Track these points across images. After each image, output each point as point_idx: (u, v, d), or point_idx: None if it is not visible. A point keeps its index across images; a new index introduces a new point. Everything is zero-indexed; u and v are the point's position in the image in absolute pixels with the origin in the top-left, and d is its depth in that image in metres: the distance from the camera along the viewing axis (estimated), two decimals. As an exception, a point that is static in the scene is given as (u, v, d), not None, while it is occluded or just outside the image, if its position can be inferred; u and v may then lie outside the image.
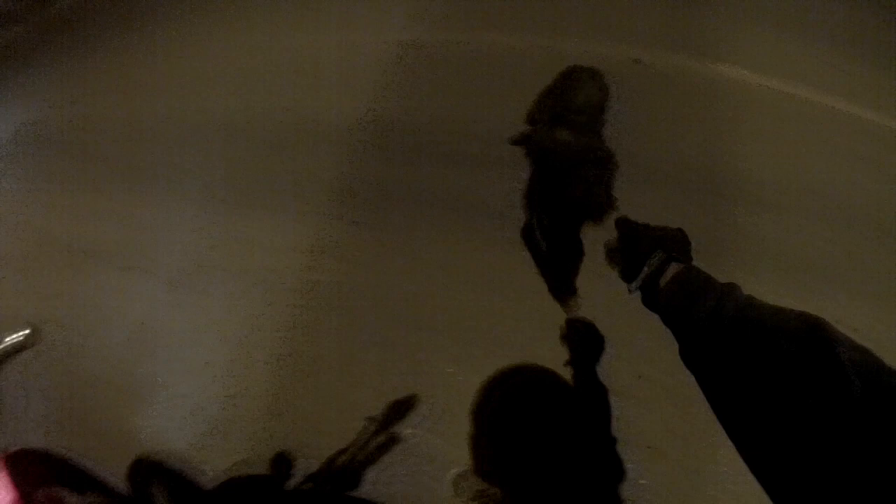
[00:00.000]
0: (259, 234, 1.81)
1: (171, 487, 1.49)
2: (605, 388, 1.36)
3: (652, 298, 0.79)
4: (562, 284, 1.52)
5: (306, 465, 1.44)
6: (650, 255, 0.81)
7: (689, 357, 0.68)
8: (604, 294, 1.49)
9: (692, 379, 1.13)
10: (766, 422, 0.56)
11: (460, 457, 1.33)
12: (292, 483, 1.41)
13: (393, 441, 1.37)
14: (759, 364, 0.58)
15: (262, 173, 1.92)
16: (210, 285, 1.77)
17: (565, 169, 1.63)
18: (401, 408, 1.40)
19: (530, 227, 1.60)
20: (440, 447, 1.34)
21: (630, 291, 0.82)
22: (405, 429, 1.38)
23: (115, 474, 1.54)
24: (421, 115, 1.91)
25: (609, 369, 1.42)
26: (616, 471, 1.34)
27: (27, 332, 1.79)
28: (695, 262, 0.81)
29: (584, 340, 1.39)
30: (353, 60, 2.08)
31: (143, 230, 1.94)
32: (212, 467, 1.52)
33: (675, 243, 0.83)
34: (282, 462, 1.42)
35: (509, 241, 1.63)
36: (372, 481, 1.36)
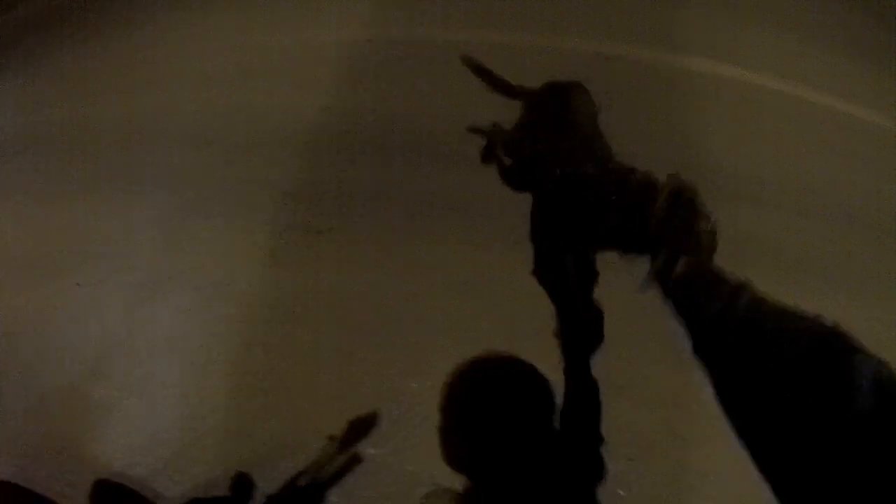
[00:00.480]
0: (217, 243, 1.73)
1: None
2: (597, 383, 1.30)
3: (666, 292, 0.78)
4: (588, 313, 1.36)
5: (267, 486, 1.38)
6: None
7: (702, 352, 0.67)
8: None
9: (669, 387, 1.08)
10: (774, 426, 0.56)
11: (426, 476, 1.27)
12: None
13: (356, 461, 1.31)
14: (769, 367, 0.57)
15: (222, 179, 1.84)
16: (167, 300, 1.70)
17: (593, 196, 1.25)
18: (362, 426, 1.33)
19: (551, 262, 1.37)
20: (405, 467, 1.28)
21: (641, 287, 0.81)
22: (368, 448, 1.31)
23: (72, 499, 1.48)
24: (386, 115, 1.84)
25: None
26: (598, 472, 1.27)
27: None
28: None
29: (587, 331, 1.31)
30: (316, 59, 2.00)
31: (101, 242, 1.86)
32: (172, 491, 1.46)
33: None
34: (242, 483, 1.35)
35: (482, 245, 1.57)
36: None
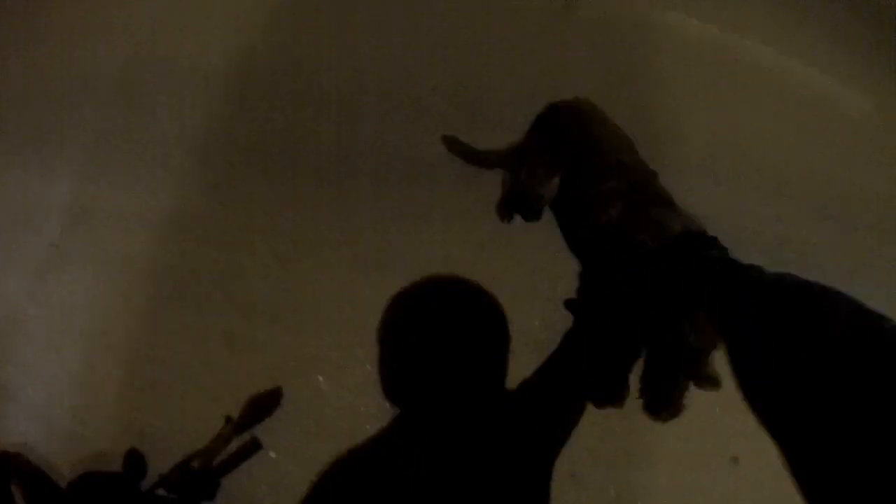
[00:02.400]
0: (115, 210, 1.54)
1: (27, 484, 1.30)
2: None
3: None
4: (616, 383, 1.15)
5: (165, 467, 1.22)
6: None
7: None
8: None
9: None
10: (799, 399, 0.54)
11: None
12: (146, 484, 1.20)
13: (254, 448, 1.14)
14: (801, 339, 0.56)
15: (122, 135, 1.64)
16: (67, 275, 1.53)
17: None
18: (264, 405, 1.16)
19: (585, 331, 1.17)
20: (299, 474, 1.11)
21: None
22: (269, 451, 1.15)
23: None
24: (310, 61, 1.63)
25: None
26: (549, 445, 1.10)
27: None
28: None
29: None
30: (239, 4, 1.78)
31: (3, 213, 1.68)
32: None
33: None
34: (134, 460, 1.21)
35: (411, 215, 1.37)
36: (229, 492, 1.14)
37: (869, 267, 1.83)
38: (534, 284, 1.32)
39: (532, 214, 1.29)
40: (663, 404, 1.11)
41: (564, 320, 1.24)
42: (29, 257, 1.57)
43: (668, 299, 0.94)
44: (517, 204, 1.31)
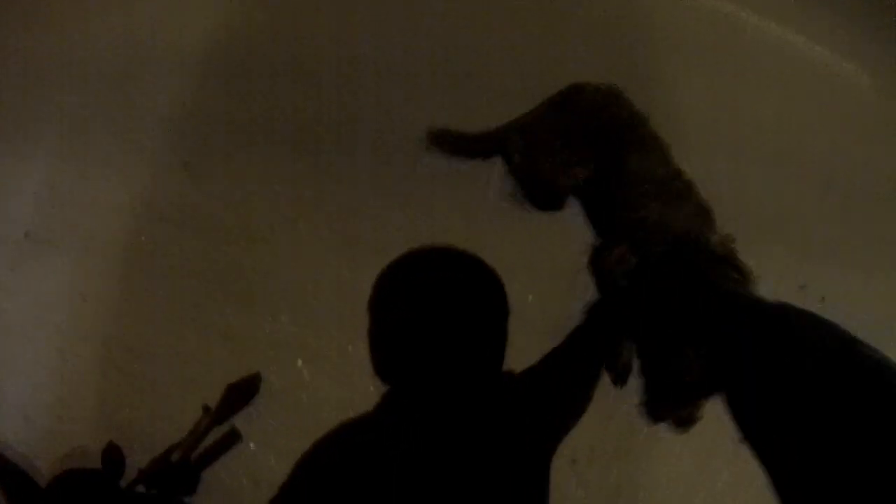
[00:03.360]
0: (90, 196, 1.47)
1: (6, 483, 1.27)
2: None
3: None
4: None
5: (143, 460, 1.17)
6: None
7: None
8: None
9: (611, 393, 1.11)
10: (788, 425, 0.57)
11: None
12: (125, 480, 1.17)
13: (233, 438, 1.09)
14: (789, 369, 0.59)
15: (97, 120, 1.56)
16: (41, 266, 1.46)
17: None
18: (242, 392, 1.11)
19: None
20: (280, 466, 1.06)
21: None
22: (249, 443, 1.09)
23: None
24: (292, 36, 1.55)
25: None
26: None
27: None
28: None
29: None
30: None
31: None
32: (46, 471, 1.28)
33: None
34: (112, 456, 1.18)
35: (397, 192, 1.30)
36: (209, 486, 1.08)
37: (870, 239, 1.78)
38: (531, 259, 1.26)
39: (555, 205, 1.21)
40: (665, 414, 1.11)
41: (561, 296, 1.18)
42: (2, 248, 1.52)
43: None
44: (537, 194, 1.22)
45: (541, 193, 1.19)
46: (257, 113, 1.42)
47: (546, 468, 1.08)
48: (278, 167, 1.39)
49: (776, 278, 1.30)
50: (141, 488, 1.15)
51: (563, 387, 1.11)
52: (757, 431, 0.62)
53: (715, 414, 1.38)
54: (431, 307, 1.13)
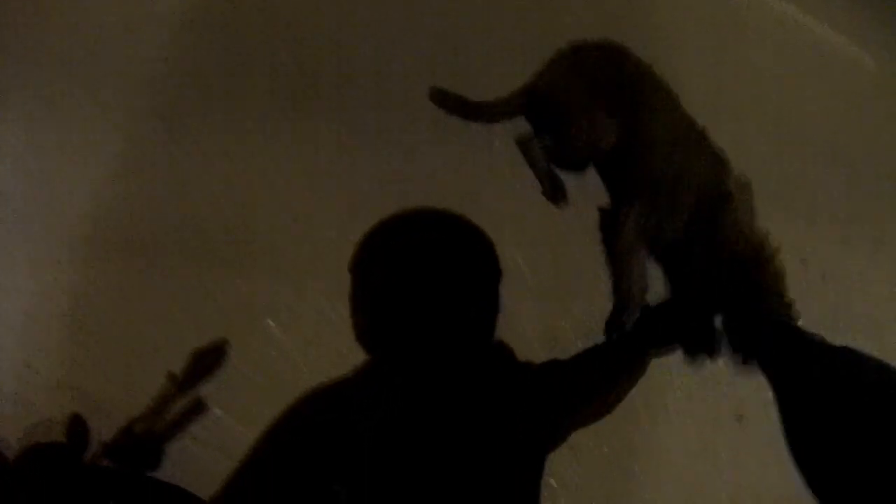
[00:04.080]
0: (63, 153, 1.39)
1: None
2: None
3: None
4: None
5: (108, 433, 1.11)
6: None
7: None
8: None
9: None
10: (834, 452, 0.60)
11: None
12: (90, 453, 1.11)
13: (199, 408, 1.02)
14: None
15: (72, 76, 1.47)
16: (6, 228, 1.39)
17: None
18: (208, 359, 1.03)
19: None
20: (249, 434, 0.99)
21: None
22: (214, 408, 1.01)
23: None
24: None
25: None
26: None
27: None
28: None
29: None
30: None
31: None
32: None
33: None
34: (76, 428, 1.11)
35: (382, 144, 1.21)
36: (174, 459, 1.02)
37: (874, 217, 1.75)
38: (524, 221, 1.17)
39: (583, 166, 1.13)
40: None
41: (553, 256, 1.11)
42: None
43: None
44: (570, 158, 1.13)
45: (574, 156, 1.11)
46: (238, 68, 1.31)
47: (541, 460, 1.00)
48: (258, 122, 1.30)
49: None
50: (105, 463, 1.10)
51: (586, 388, 1.04)
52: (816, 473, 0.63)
53: (718, 381, 1.33)
54: (418, 271, 1.03)
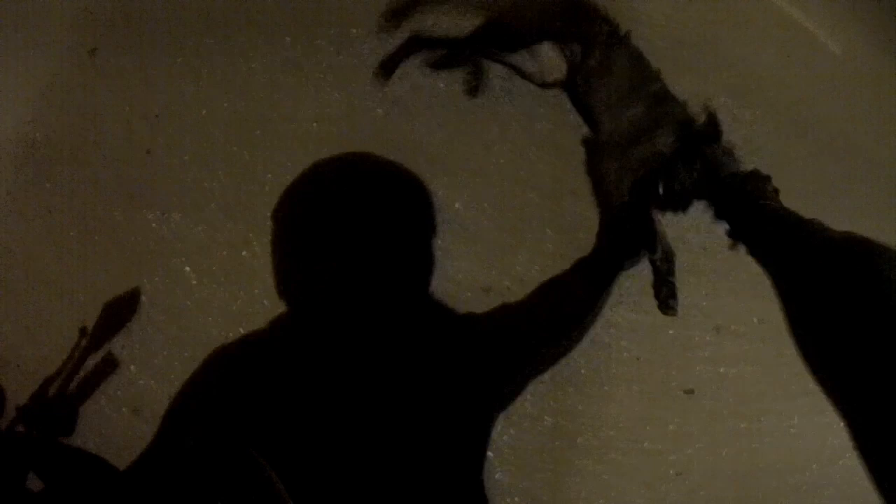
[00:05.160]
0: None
1: None
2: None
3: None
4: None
5: (21, 398, 1.03)
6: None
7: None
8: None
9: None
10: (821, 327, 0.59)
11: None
12: (5, 423, 1.03)
13: (111, 365, 0.95)
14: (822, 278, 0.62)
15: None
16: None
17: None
18: (120, 310, 0.96)
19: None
20: (163, 391, 0.92)
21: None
22: (129, 366, 0.94)
23: None
24: None
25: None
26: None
27: None
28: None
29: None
30: None
31: None
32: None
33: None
34: None
35: (312, 74, 1.12)
36: (86, 417, 0.94)
37: (837, 189, 1.74)
38: (456, 156, 1.11)
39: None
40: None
41: (496, 201, 1.04)
42: None
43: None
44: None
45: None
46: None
47: (488, 422, 0.95)
48: (184, 54, 1.19)
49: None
50: (21, 427, 1.02)
51: (549, 323, 0.99)
52: (829, 366, 0.58)
53: (668, 352, 1.30)
54: (347, 219, 0.98)
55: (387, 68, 1.15)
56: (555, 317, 1.01)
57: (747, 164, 1.56)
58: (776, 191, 0.97)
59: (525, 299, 1.00)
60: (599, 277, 0.99)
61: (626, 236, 1.02)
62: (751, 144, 1.55)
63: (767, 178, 0.98)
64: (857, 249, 0.60)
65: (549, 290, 1.00)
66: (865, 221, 1.73)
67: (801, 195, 1.62)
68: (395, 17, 1.18)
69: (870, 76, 2.08)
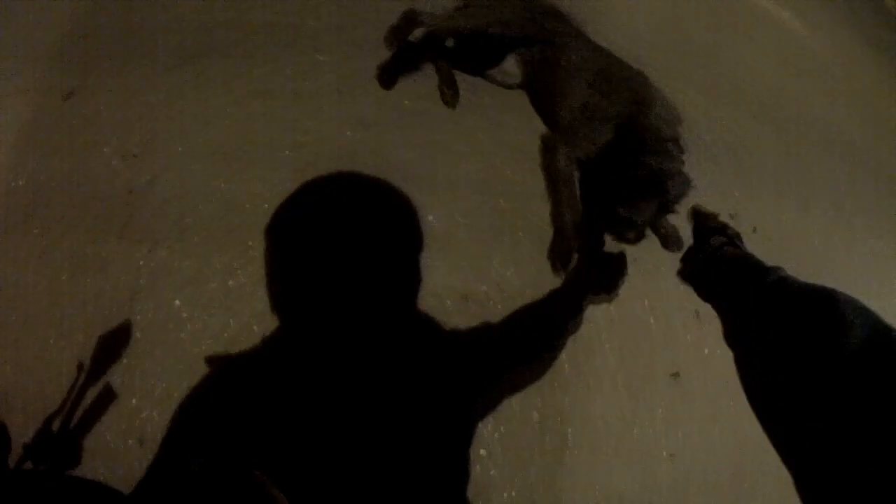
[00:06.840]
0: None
1: None
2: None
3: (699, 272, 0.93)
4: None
5: (25, 435, 1.06)
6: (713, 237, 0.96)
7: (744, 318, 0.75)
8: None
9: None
10: (779, 371, 0.60)
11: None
12: (13, 461, 1.04)
13: (110, 397, 0.98)
14: (783, 319, 0.64)
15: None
16: None
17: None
18: (113, 344, 1.00)
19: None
20: (163, 419, 0.95)
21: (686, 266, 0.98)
22: (131, 399, 0.97)
23: None
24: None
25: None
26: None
27: None
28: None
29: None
30: None
31: None
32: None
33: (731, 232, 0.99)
34: None
35: (288, 91, 1.15)
36: (92, 451, 0.98)
37: (805, 172, 1.76)
38: (427, 171, 1.14)
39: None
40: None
41: (467, 211, 1.07)
42: None
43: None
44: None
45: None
46: (139, 32, 1.24)
47: (470, 430, 0.99)
48: (159, 90, 1.21)
49: (707, 206, 1.23)
50: (28, 464, 1.05)
51: (526, 345, 1.04)
52: (778, 407, 0.60)
53: (652, 337, 1.33)
54: (325, 240, 1.01)
55: (385, 82, 1.21)
56: (533, 332, 1.07)
57: (738, 164, 1.63)
58: (738, 235, 0.99)
59: (505, 317, 1.05)
60: (572, 300, 1.06)
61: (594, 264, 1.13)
62: (720, 137, 1.59)
63: (724, 226, 1.00)
64: (821, 295, 0.61)
65: (529, 309, 1.06)
66: (866, 221, 1.76)
67: (801, 195, 1.66)
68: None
69: (863, 77, 2.10)
